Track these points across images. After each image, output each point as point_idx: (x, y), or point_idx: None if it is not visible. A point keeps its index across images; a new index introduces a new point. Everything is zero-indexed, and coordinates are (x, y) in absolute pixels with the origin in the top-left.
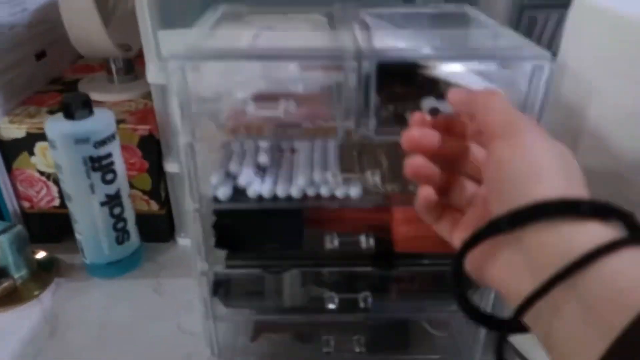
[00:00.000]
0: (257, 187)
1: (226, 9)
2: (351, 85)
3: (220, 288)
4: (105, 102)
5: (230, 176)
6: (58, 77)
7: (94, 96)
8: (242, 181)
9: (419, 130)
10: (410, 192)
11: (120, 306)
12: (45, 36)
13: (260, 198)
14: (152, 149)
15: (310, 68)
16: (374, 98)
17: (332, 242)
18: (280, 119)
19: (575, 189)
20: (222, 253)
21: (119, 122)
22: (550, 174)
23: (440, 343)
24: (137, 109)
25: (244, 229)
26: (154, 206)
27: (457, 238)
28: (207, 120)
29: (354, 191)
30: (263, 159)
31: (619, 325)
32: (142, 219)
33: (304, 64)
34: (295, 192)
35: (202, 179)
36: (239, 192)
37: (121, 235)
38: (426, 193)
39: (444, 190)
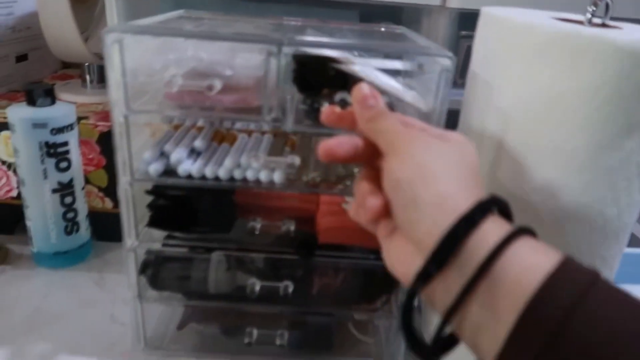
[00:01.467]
0: (187, 166)
1: (185, 13)
2: (272, 73)
3: (148, 268)
4: (76, 103)
5: (165, 155)
6: (37, 81)
7: (66, 97)
8: (173, 159)
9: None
10: (331, 181)
11: (58, 295)
12: (29, 42)
13: (189, 177)
14: (110, 146)
15: (239, 53)
16: (290, 89)
17: (256, 228)
18: (206, 97)
19: (465, 188)
20: (158, 233)
21: (82, 118)
22: (439, 176)
23: (365, 349)
24: (103, 110)
25: (177, 211)
26: (109, 204)
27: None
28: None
29: (277, 176)
30: (198, 143)
31: (514, 314)
32: (96, 217)
33: (232, 45)
34: (222, 173)
35: (138, 156)
36: (170, 171)
37: (70, 226)
38: (374, 205)
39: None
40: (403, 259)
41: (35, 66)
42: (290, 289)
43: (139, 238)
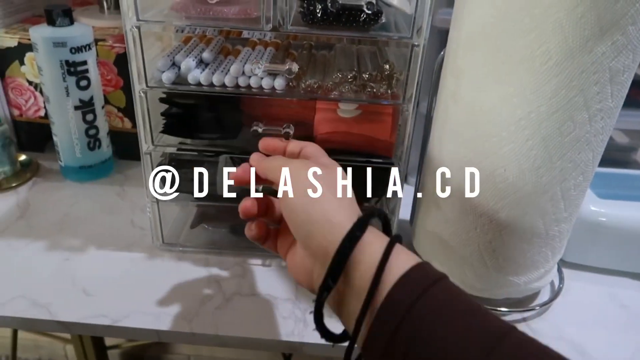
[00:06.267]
0: (197, 74)
1: None
2: None
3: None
4: (94, 28)
5: (175, 65)
6: None
7: (85, 22)
8: (183, 68)
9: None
10: (328, 87)
11: (84, 203)
12: None
13: (198, 85)
14: (127, 68)
15: None
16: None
17: (259, 132)
18: (209, 7)
19: (345, 205)
20: (172, 139)
21: (99, 40)
22: (324, 197)
23: None
24: (120, 33)
25: (189, 118)
26: (128, 124)
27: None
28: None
29: (278, 83)
30: (206, 55)
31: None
32: (117, 136)
33: None
34: (228, 81)
35: (150, 68)
36: (181, 79)
37: (92, 142)
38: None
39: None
40: (304, 269)
41: None
42: None
43: (154, 143)
